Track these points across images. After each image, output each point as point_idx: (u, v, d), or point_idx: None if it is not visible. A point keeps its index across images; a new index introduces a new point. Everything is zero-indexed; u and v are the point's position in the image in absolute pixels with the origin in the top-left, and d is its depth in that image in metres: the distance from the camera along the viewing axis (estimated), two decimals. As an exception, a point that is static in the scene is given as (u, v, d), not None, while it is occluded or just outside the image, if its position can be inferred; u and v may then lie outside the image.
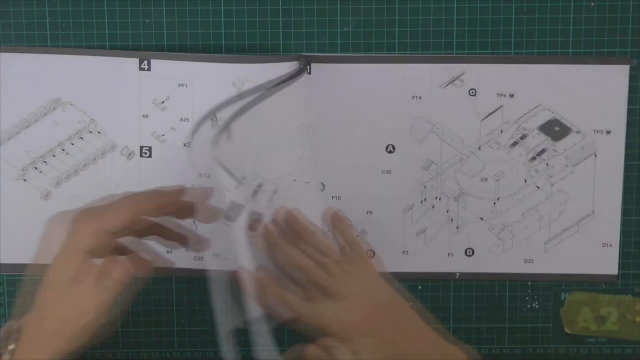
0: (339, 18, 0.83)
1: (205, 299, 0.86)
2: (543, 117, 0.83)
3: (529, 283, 0.86)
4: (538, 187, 0.84)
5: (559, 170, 0.84)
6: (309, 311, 0.73)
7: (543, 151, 0.84)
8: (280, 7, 0.83)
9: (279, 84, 0.79)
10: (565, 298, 0.87)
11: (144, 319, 0.87)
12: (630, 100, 0.83)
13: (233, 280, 0.75)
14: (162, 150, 0.84)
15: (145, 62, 0.82)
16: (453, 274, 0.86)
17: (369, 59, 0.83)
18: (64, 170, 0.84)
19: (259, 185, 0.81)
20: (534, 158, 0.84)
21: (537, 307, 0.87)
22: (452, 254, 0.85)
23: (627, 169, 0.84)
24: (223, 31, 0.83)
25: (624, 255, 0.86)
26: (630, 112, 0.83)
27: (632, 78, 0.83)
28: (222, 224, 0.75)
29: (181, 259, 0.85)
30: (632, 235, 0.86)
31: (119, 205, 0.70)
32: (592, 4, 0.82)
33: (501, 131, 0.84)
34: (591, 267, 0.86)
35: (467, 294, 0.87)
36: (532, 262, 0.86)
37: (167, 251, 0.82)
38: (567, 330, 0.87)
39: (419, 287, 0.86)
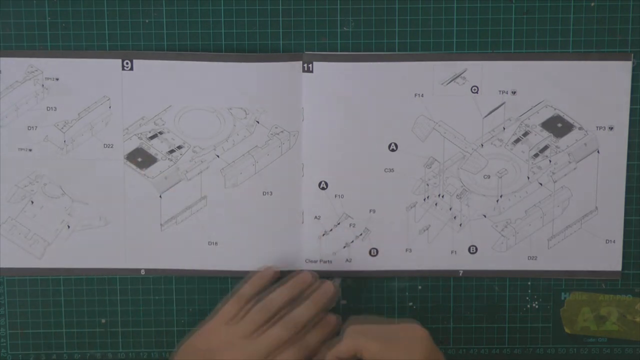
0: (339, 18, 0.83)
1: (205, 299, 0.86)
2: (545, 114, 0.83)
3: (529, 283, 0.86)
4: (541, 184, 0.84)
5: (562, 167, 0.84)
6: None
7: (546, 148, 0.84)
8: (280, 7, 0.83)
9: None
10: (565, 298, 0.87)
11: (144, 319, 0.87)
12: (632, 100, 0.83)
13: None
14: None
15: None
16: (456, 271, 0.86)
17: (371, 57, 0.83)
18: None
19: (178, 147, 0.83)
20: (536, 155, 0.84)
21: (537, 307, 0.87)
22: (455, 252, 0.85)
23: (629, 168, 0.85)
24: (223, 31, 0.83)
25: (624, 255, 0.86)
26: (632, 112, 0.83)
27: (634, 78, 0.83)
28: None
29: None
30: (632, 235, 0.86)
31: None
32: (592, 4, 0.83)
33: (504, 128, 0.84)
34: (595, 263, 0.86)
35: (467, 293, 0.87)
36: (535, 259, 0.86)
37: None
38: (567, 330, 0.87)
39: (419, 287, 0.86)
